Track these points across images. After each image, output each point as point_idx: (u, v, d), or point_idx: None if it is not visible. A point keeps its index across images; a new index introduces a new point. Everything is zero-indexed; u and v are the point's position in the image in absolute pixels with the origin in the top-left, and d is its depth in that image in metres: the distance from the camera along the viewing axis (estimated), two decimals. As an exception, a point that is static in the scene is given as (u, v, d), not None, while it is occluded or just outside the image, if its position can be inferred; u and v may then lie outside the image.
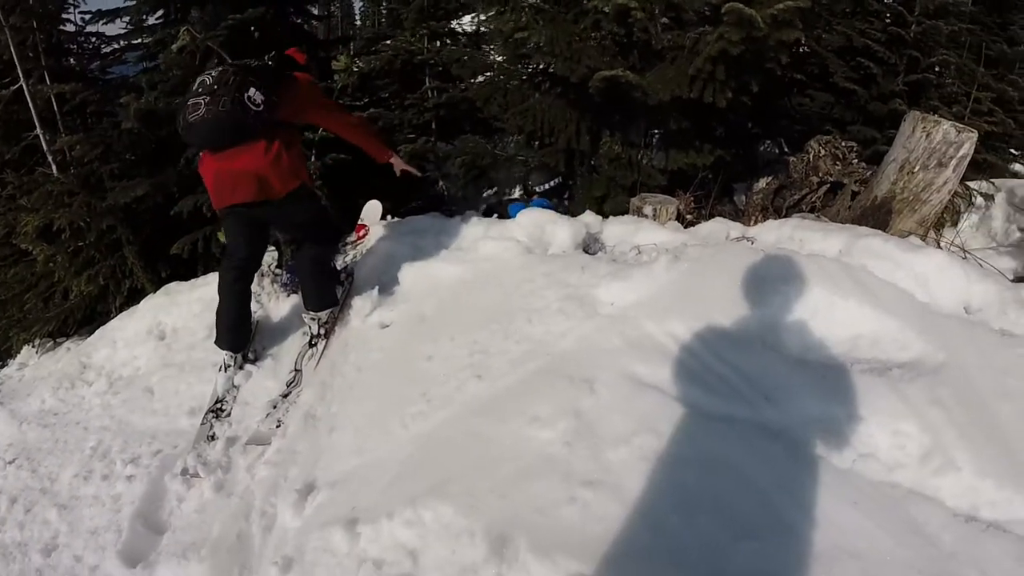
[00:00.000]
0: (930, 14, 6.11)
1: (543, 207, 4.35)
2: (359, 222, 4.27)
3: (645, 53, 4.22)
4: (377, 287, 3.65)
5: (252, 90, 2.98)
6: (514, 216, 4.48)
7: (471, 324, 3.09)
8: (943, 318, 2.84)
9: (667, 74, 4.00)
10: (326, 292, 3.56)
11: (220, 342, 3.53)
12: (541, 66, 4.27)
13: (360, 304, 3.57)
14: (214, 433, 3.25)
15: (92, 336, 4.95)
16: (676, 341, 2.68)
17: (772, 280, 2.89)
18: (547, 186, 4.95)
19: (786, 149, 6.13)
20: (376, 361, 3.22)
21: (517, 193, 5.93)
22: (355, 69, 4.41)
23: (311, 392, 3.22)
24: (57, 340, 5.44)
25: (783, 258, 2.98)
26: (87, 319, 5.33)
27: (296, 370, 3.43)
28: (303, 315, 3.57)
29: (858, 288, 2.83)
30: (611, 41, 4.14)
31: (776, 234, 3.55)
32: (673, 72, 4.00)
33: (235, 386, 3.49)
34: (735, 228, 3.75)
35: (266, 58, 3.49)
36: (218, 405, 3.40)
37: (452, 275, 3.51)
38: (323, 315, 3.53)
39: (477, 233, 3.77)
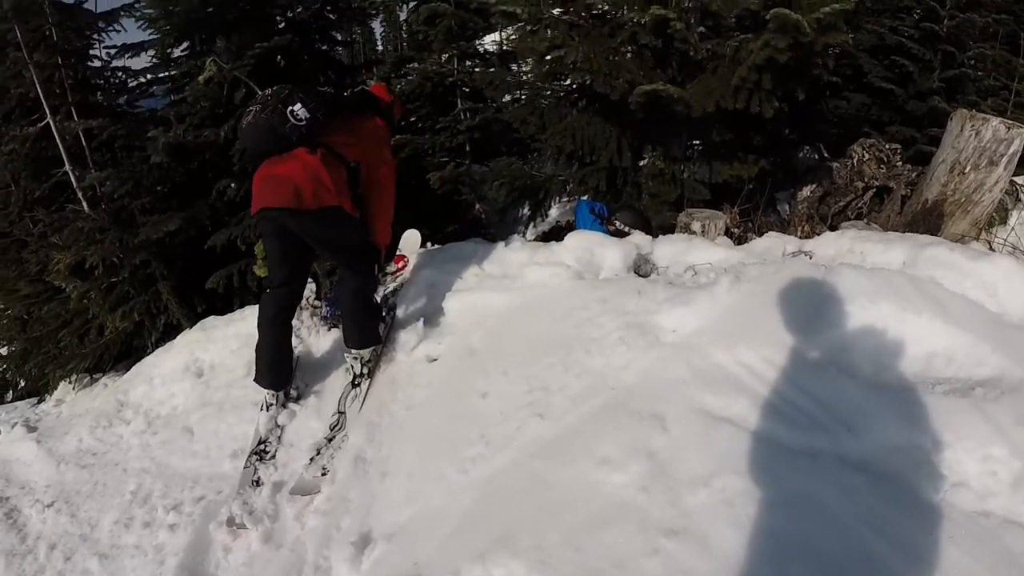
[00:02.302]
0: (962, 7, 5.93)
1: (602, 212, 4.20)
2: (398, 252, 4.13)
3: (684, 64, 4.07)
4: (422, 319, 3.51)
5: (298, 105, 3.05)
6: (582, 213, 4.31)
7: (525, 357, 2.93)
8: (1016, 330, 2.66)
9: (709, 85, 3.84)
10: (368, 329, 3.43)
11: (260, 380, 3.41)
12: (577, 83, 4.11)
13: (405, 338, 3.43)
14: (259, 478, 3.11)
15: (128, 373, 4.88)
16: (747, 370, 2.50)
17: (838, 299, 2.70)
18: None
19: (825, 154, 5.94)
20: (426, 398, 3.07)
21: (556, 212, 5.76)
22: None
23: (359, 433, 3.07)
24: (94, 376, 5.38)
25: (847, 274, 2.79)
26: (123, 354, 5.26)
27: (340, 412, 3.28)
28: (345, 354, 3.43)
29: (928, 302, 2.65)
30: (649, 53, 3.97)
31: (835, 247, 3.37)
32: (715, 82, 3.83)
33: (278, 426, 3.36)
34: (791, 242, 3.57)
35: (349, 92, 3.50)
36: (261, 447, 3.27)
37: (499, 304, 3.35)
38: (365, 353, 3.39)
39: (522, 259, 3.60)
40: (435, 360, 3.33)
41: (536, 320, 3.13)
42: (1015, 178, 5.49)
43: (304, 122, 3.04)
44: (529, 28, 3.93)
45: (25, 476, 4.18)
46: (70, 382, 5.36)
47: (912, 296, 2.67)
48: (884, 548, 1.88)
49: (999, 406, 2.22)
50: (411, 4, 6.77)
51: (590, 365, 2.74)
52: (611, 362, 2.72)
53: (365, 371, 3.39)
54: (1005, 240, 5.04)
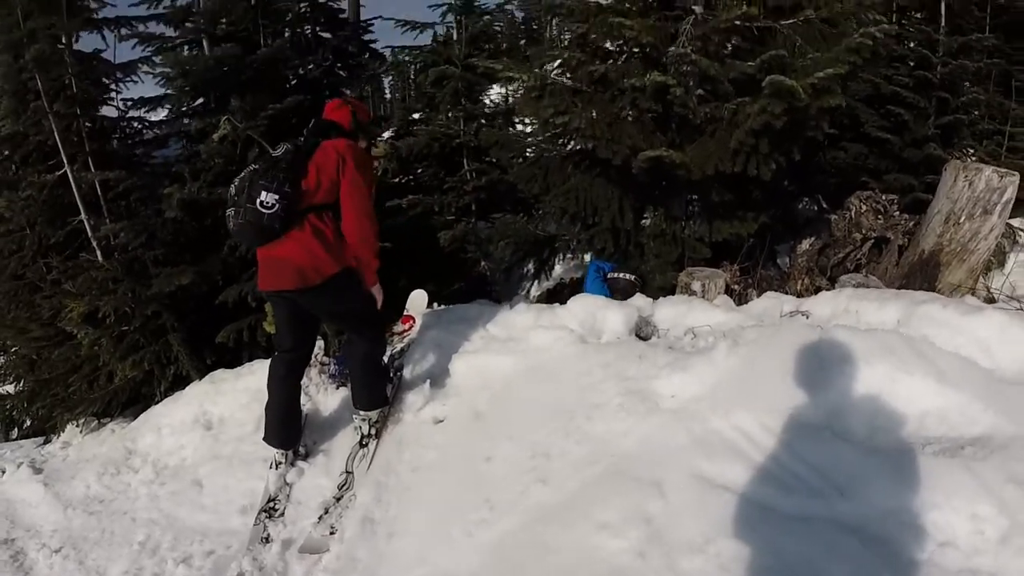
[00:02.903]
0: (954, 53, 6.14)
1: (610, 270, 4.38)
2: (405, 313, 4.29)
3: (683, 127, 4.28)
4: (428, 381, 3.67)
5: (264, 194, 3.05)
6: (591, 277, 4.49)
7: (529, 422, 3.07)
8: (1009, 386, 2.76)
9: (708, 148, 4.04)
10: (376, 391, 3.58)
11: (270, 439, 3.55)
12: (580, 147, 4.31)
13: (412, 399, 3.59)
14: (268, 535, 3.25)
15: (137, 420, 5.01)
16: (743, 435, 2.64)
17: (833, 361, 2.84)
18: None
19: (824, 205, 6.12)
20: (432, 461, 3.22)
21: (560, 269, 5.93)
22: (393, 151, 4.49)
23: (367, 493, 3.22)
24: (101, 420, 5.51)
25: (842, 337, 2.93)
26: (131, 401, 5.41)
27: (348, 472, 3.43)
28: (353, 415, 3.59)
29: (921, 362, 2.78)
30: (649, 117, 4.18)
31: (831, 306, 3.52)
32: (714, 146, 4.03)
33: (287, 484, 3.50)
34: (788, 302, 3.73)
35: (306, 131, 3.47)
36: (271, 504, 3.40)
37: (505, 367, 3.50)
38: (373, 414, 3.55)
39: (527, 322, 3.77)
40: (441, 421, 3.47)
41: (540, 385, 3.28)
42: (1011, 221, 5.67)
43: (276, 207, 3.06)
44: (534, 95, 4.13)
45: (31, 518, 4.31)
46: (77, 425, 5.48)
47: (906, 356, 2.79)
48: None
49: (988, 464, 2.34)
50: (419, 65, 7.05)
51: (591, 431, 2.89)
52: (612, 428, 2.86)
53: (373, 431, 3.54)
54: (1002, 287, 5.20)
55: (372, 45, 6.50)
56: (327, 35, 6.17)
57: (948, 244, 4.44)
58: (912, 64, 6.21)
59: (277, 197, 3.05)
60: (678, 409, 2.85)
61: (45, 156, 5.32)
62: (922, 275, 4.51)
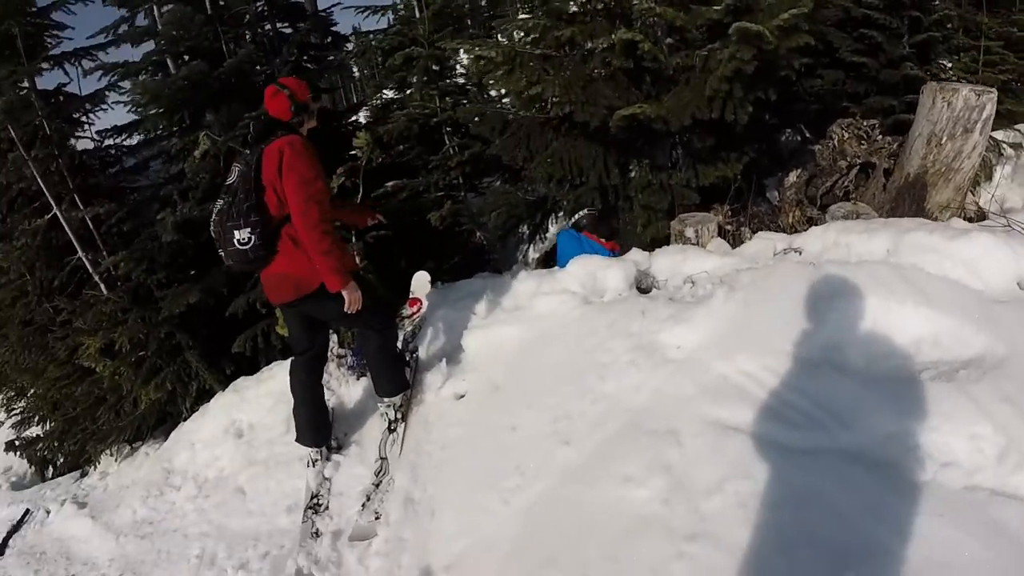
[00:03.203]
0: (925, -32, 6.17)
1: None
2: (411, 296, 4.47)
3: (657, 79, 4.38)
4: (444, 359, 3.89)
5: (236, 232, 3.15)
6: (567, 245, 4.67)
7: (544, 388, 3.28)
8: (998, 305, 2.95)
9: (684, 98, 4.15)
10: (396, 377, 3.78)
11: (303, 440, 3.77)
12: (558, 112, 4.41)
13: (431, 379, 3.81)
14: (317, 529, 3.47)
15: (168, 440, 5.22)
16: (749, 378, 2.84)
17: (827, 296, 3.03)
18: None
19: (807, 134, 6.23)
20: (460, 436, 3.44)
21: (554, 229, 6.05)
22: (372, 140, 4.59)
23: (403, 476, 3.44)
24: (133, 445, 5.74)
25: (833, 272, 3.11)
26: (159, 421, 5.63)
27: (382, 458, 3.66)
28: (378, 403, 3.82)
29: (912, 290, 2.96)
30: (622, 75, 4.29)
31: (822, 241, 3.68)
32: (689, 94, 4.15)
33: (326, 478, 3.72)
34: (780, 240, 3.90)
35: (250, 137, 3.39)
36: (314, 501, 3.63)
37: (515, 337, 3.70)
38: (397, 400, 3.77)
39: (530, 288, 3.96)
40: (462, 396, 3.69)
41: (551, 350, 3.49)
42: (995, 134, 5.79)
43: (252, 239, 3.14)
44: (505, 68, 4.24)
45: (86, 553, 4.55)
46: (111, 454, 5.72)
47: (896, 286, 2.98)
48: (881, 530, 2.21)
49: (982, 386, 2.55)
50: (385, 48, 7.07)
51: (605, 390, 3.10)
52: (623, 384, 3.07)
53: (399, 415, 3.77)
54: (990, 201, 5.35)
55: (334, 29, 6.56)
56: (288, 30, 6.25)
57: (932, 165, 4.57)
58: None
59: (249, 230, 3.13)
60: (684, 359, 3.05)
61: (31, 200, 5.44)
62: (910, 197, 4.66)
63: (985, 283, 3.10)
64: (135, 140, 5.73)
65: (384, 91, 8.07)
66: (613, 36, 4.06)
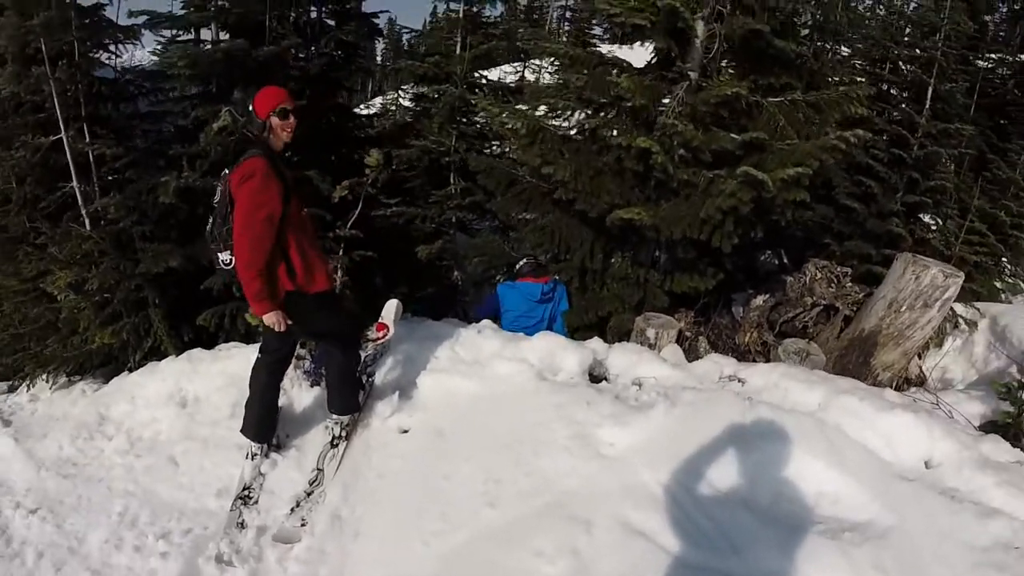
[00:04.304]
0: (934, 136, 6.88)
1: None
2: (379, 320, 4.87)
3: (661, 186, 4.92)
4: (397, 392, 4.31)
5: (218, 256, 3.58)
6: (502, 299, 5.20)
7: (485, 447, 3.75)
8: (899, 480, 3.47)
9: (679, 211, 4.70)
10: (349, 398, 4.20)
11: (248, 432, 4.14)
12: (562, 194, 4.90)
13: (381, 408, 4.24)
14: (243, 520, 3.86)
15: (110, 386, 5.47)
16: (666, 490, 3.35)
17: (754, 435, 3.56)
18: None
19: (785, 260, 6.86)
20: (396, 469, 3.87)
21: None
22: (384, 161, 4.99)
23: (335, 493, 3.86)
24: (71, 378, 5.96)
25: (766, 414, 3.64)
26: (103, 363, 5.89)
27: (319, 469, 4.06)
28: (327, 418, 4.23)
29: (828, 449, 3.50)
30: (631, 173, 4.83)
31: (765, 379, 4.22)
32: (685, 210, 4.69)
33: (261, 474, 4.10)
34: (728, 365, 4.44)
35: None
36: (246, 492, 4.01)
37: (469, 391, 4.18)
38: (345, 419, 4.19)
39: (493, 348, 4.44)
40: (406, 432, 4.13)
41: (498, 414, 3.96)
42: (956, 305, 6.46)
43: (231, 266, 3.54)
44: (526, 141, 4.75)
45: (2, 474, 4.68)
46: (47, 380, 5.93)
47: (816, 441, 3.51)
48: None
49: (861, 550, 3.03)
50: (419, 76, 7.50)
51: (539, 466, 3.57)
52: (556, 466, 3.54)
53: (343, 433, 4.17)
54: (932, 369, 6.01)
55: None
56: (331, 22, 6.65)
57: (887, 328, 5.18)
58: (889, 140, 6.92)
59: (229, 253, 3.51)
60: (615, 458, 3.55)
61: (37, 112, 5.63)
62: (859, 350, 5.29)
63: (896, 456, 3.62)
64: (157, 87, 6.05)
65: (400, 92, 8.49)
66: (632, 140, 4.59)
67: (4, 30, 5.13)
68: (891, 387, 5.16)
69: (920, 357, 5.85)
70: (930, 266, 4.99)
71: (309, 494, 3.94)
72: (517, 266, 5.49)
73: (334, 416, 4.19)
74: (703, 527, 3.18)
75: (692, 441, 3.56)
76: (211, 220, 3.61)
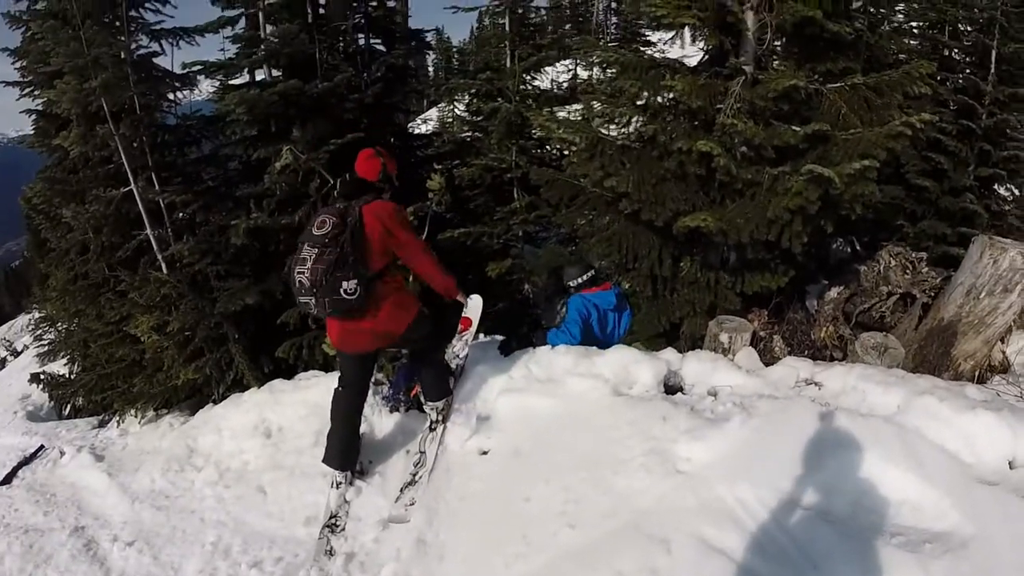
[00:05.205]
0: (1001, 103, 6.65)
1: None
2: (463, 315, 5.04)
3: (725, 188, 4.94)
4: (475, 416, 4.52)
5: (345, 283, 3.76)
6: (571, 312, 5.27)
7: (563, 467, 3.89)
8: (981, 485, 3.43)
9: (746, 212, 4.71)
10: (442, 385, 4.59)
11: (331, 462, 4.39)
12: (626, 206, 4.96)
13: (460, 431, 4.45)
14: (332, 548, 4.11)
15: (196, 419, 5.86)
16: (743, 505, 3.42)
17: (831, 444, 3.60)
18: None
19: (858, 247, 6.75)
20: (477, 492, 4.05)
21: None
22: (447, 185, 5.17)
23: (420, 517, 4.06)
24: (158, 412, 6.40)
25: (842, 423, 3.66)
26: (188, 396, 6.29)
27: (421, 452, 4.44)
28: (424, 405, 4.59)
29: (907, 456, 3.50)
30: (694, 177, 4.87)
31: (842, 382, 4.23)
32: (752, 211, 4.70)
33: (347, 501, 4.36)
34: (804, 368, 4.45)
35: (337, 192, 4.11)
36: (332, 520, 4.27)
37: (545, 409, 4.33)
38: (440, 404, 4.55)
39: (567, 364, 4.58)
40: (485, 453, 4.32)
41: (575, 432, 4.10)
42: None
43: (358, 291, 3.78)
44: (586, 155, 4.84)
45: (98, 508, 5.12)
46: (135, 415, 6.39)
47: (895, 448, 3.53)
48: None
49: (940, 563, 3.04)
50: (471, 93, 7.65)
51: (615, 484, 3.69)
52: (632, 484, 3.66)
53: (440, 417, 4.55)
54: (1016, 355, 5.83)
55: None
56: (381, 46, 6.88)
57: (966, 316, 5.09)
58: (956, 111, 6.72)
59: (356, 282, 3.77)
60: (692, 473, 3.64)
61: (106, 164, 6.06)
62: (939, 341, 5.20)
63: (978, 458, 3.59)
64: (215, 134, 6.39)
65: (455, 105, 8.66)
66: (693, 144, 4.63)
67: (66, 94, 5.48)
68: (973, 376, 5.08)
69: (1003, 342, 5.70)
70: (1008, 248, 4.88)
71: (414, 476, 4.29)
72: (575, 282, 5.44)
73: (430, 404, 4.54)
74: (781, 542, 3.25)
75: (768, 453, 3.62)
76: (316, 250, 3.77)
